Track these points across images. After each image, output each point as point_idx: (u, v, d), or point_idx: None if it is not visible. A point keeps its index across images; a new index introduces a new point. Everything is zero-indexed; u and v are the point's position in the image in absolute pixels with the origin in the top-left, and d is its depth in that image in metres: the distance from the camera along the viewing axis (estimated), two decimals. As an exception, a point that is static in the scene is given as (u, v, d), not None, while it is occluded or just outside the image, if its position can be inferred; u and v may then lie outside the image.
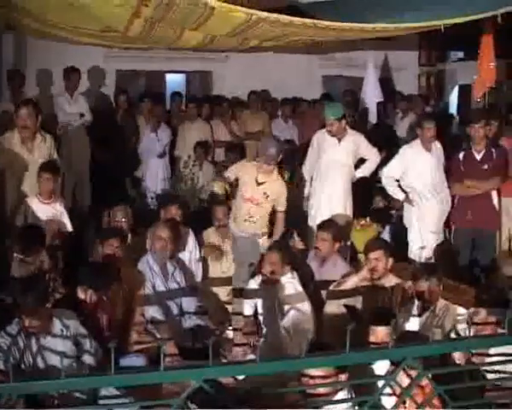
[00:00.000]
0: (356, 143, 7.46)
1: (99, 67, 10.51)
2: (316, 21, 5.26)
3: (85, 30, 6.10)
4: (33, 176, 6.52)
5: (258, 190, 6.45)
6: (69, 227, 6.54)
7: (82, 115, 9.13)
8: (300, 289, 5.68)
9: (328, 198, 7.31)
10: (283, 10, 7.13)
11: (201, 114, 9.92)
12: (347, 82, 12.13)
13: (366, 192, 8.17)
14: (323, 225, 6.49)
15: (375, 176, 8.08)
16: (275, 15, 4.92)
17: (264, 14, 4.84)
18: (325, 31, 5.63)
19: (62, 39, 7.41)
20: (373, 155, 7.59)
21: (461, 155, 7.31)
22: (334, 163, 7.35)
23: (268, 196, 6.47)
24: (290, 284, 5.68)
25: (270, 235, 6.67)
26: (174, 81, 11.88)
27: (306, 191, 7.73)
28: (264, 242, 6.56)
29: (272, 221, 6.74)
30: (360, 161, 7.65)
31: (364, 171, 7.64)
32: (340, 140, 7.36)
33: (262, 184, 6.45)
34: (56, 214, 6.42)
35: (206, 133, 9.73)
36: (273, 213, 6.69)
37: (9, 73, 9.19)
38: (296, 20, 5.06)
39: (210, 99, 10.73)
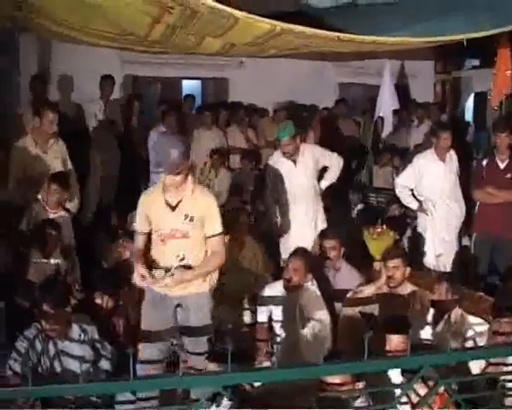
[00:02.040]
0: (312, 156, 7.08)
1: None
2: (339, 34, 5.27)
3: (103, 33, 6.13)
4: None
5: (175, 217, 4.51)
6: (70, 239, 6.54)
7: (113, 123, 9.22)
8: (320, 296, 5.68)
9: (301, 228, 6.98)
10: (294, 15, 7.18)
11: (218, 121, 9.95)
12: (363, 89, 12.16)
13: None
14: (296, 253, 5.92)
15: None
16: (299, 27, 4.92)
17: (288, 25, 4.84)
18: (347, 43, 5.64)
19: (78, 41, 7.45)
20: (334, 161, 7.23)
21: (484, 162, 7.30)
22: (297, 189, 6.99)
23: (193, 219, 4.52)
24: (311, 291, 5.68)
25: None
26: (190, 88, 11.92)
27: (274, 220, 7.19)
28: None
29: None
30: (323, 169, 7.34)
31: (328, 180, 7.29)
32: (295, 162, 6.98)
33: (177, 205, 4.51)
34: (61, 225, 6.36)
35: (221, 140, 9.77)
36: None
37: (32, 80, 9.27)
38: (319, 32, 5.07)
39: (226, 106, 10.77)
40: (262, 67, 10.48)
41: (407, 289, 5.61)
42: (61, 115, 8.98)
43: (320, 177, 7.27)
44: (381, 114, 10.41)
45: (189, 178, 4.53)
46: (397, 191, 7.63)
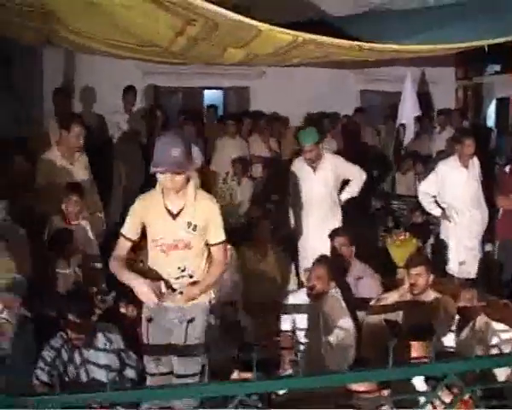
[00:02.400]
0: (333, 167, 7.04)
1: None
2: (360, 43, 5.28)
3: (126, 44, 6.19)
4: None
5: (177, 226, 4.14)
6: (94, 247, 6.58)
7: (136, 133, 9.30)
8: (344, 304, 5.68)
9: (314, 236, 6.96)
10: (312, 24, 7.20)
11: (240, 131, 10.00)
12: (385, 97, 12.15)
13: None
14: (319, 261, 5.90)
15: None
16: (321, 38, 4.94)
17: (310, 36, 4.86)
18: (368, 51, 5.65)
19: (101, 53, 7.52)
20: (356, 174, 7.18)
21: (507, 168, 7.27)
22: (314, 197, 7.01)
23: (196, 228, 4.15)
24: (335, 299, 5.68)
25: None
26: (212, 97, 11.99)
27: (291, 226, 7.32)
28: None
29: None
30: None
31: (349, 193, 7.23)
32: (315, 169, 7.00)
33: (179, 213, 4.13)
34: (81, 236, 6.38)
35: (243, 149, 9.81)
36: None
37: (55, 92, 9.36)
38: (341, 42, 5.08)
39: (248, 115, 10.81)
40: (283, 76, 10.51)
41: (430, 296, 5.59)
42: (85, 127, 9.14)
43: (342, 189, 7.25)
44: (402, 121, 10.40)
45: (191, 183, 4.14)
46: (419, 198, 7.61)
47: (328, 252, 6.42)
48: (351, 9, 9.06)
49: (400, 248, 7.23)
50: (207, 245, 4.27)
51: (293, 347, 5.85)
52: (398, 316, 5.54)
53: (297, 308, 5.82)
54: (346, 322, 5.59)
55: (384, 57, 6.67)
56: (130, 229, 4.19)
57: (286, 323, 5.93)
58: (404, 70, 10.23)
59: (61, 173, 6.56)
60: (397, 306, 5.58)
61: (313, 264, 5.85)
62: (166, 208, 4.12)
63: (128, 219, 4.21)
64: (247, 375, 4.00)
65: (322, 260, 5.90)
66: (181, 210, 4.11)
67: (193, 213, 4.12)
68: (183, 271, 4.19)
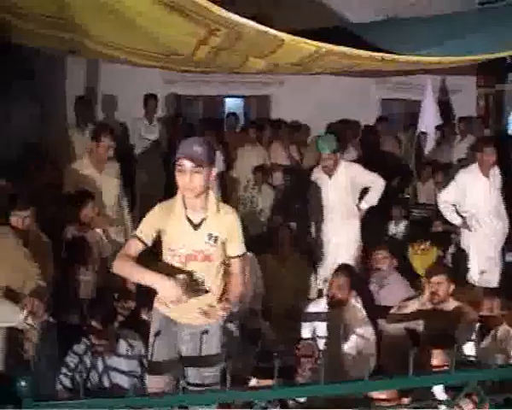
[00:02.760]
0: (349, 174, 7.06)
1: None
2: (383, 55, 5.29)
3: (149, 53, 6.25)
4: (106, 195, 6.68)
5: (198, 236, 3.94)
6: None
7: (158, 142, 9.38)
8: (364, 313, 5.69)
9: (331, 244, 7.14)
10: (334, 32, 7.23)
11: (261, 139, 10.04)
12: (405, 105, 12.15)
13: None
14: (340, 270, 5.92)
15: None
16: (343, 49, 4.95)
17: (333, 47, 4.88)
18: (390, 62, 5.66)
19: (123, 61, 7.61)
20: (375, 182, 7.14)
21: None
22: (329, 204, 7.10)
23: (217, 239, 3.96)
24: (355, 307, 5.69)
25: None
26: (232, 105, 12.04)
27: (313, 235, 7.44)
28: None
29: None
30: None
31: (369, 202, 7.19)
32: (330, 176, 7.07)
33: (201, 223, 3.94)
34: (94, 242, 6.39)
35: (264, 157, 9.85)
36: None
37: (77, 100, 9.46)
38: (364, 53, 5.09)
39: (269, 123, 10.84)
40: (304, 84, 10.53)
41: (451, 305, 5.59)
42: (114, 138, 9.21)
43: (361, 198, 7.26)
44: (423, 130, 10.40)
45: (211, 193, 3.97)
46: (440, 207, 7.58)
47: (345, 259, 6.45)
48: (372, 16, 9.09)
49: (421, 257, 7.23)
50: (225, 259, 4.09)
51: (313, 355, 5.87)
52: (418, 325, 5.55)
53: (317, 316, 5.84)
54: (366, 331, 5.60)
55: (406, 68, 6.69)
56: (146, 233, 3.94)
57: (306, 331, 5.95)
58: (425, 78, 10.23)
59: (89, 183, 6.60)
60: (417, 315, 5.58)
61: (334, 273, 5.87)
62: (188, 218, 3.93)
63: (145, 223, 3.98)
64: (267, 382, 4.04)
65: (342, 269, 5.92)
66: (203, 221, 3.93)
67: (215, 224, 3.93)
68: (199, 285, 3.98)
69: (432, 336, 4.86)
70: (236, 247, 4.05)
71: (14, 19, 5.90)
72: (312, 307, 5.93)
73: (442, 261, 7.17)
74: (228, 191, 9.58)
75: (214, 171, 3.89)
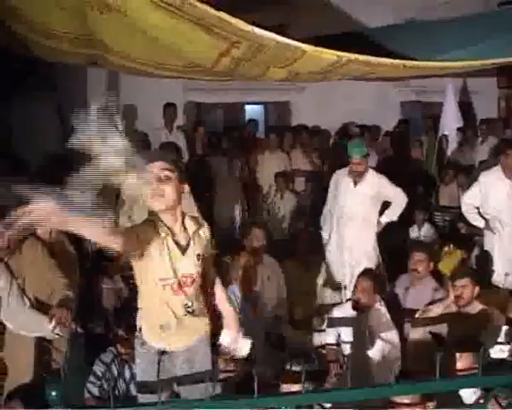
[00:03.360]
0: (376, 186, 6.98)
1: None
2: (404, 62, 5.28)
3: (171, 66, 6.29)
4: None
5: (187, 260, 3.69)
6: None
7: (178, 150, 9.40)
8: (389, 317, 5.69)
9: (350, 255, 7.01)
10: (352, 37, 7.23)
11: (282, 145, 10.07)
12: (426, 108, 12.11)
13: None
14: (364, 274, 5.95)
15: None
16: (365, 57, 4.95)
17: (354, 55, 4.88)
18: (411, 69, 5.65)
19: (146, 74, 7.67)
20: (398, 197, 7.05)
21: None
22: (350, 213, 6.98)
23: (203, 258, 3.77)
24: (380, 312, 5.70)
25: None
26: (252, 112, 12.08)
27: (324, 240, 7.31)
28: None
29: None
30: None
31: (389, 216, 7.10)
32: (356, 183, 6.98)
33: (188, 245, 3.70)
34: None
35: (286, 163, 9.87)
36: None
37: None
38: (385, 60, 5.09)
39: (289, 129, 10.87)
40: (324, 90, 10.51)
41: (476, 308, 5.56)
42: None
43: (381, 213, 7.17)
44: (445, 133, 10.36)
45: (187, 216, 3.75)
46: (463, 209, 7.55)
47: (363, 266, 6.46)
48: (390, 21, 9.08)
49: (445, 259, 7.20)
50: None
51: (338, 360, 5.88)
52: (443, 328, 5.53)
53: (342, 321, 5.85)
54: (391, 335, 5.60)
55: (428, 73, 6.68)
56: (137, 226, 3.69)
57: (331, 336, 5.96)
58: (446, 81, 10.19)
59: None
60: (442, 318, 5.57)
61: (358, 277, 5.88)
62: (175, 242, 3.65)
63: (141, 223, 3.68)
64: (294, 387, 4.06)
65: (366, 273, 5.93)
66: (189, 242, 3.69)
67: (198, 243, 3.73)
68: (188, 307, 3.73)
69: (457, 339, 4.84)
70: (209, 261, 3.94)
71: (37, 36, 5.99)
72: (336, 312, 5.94)
73: (466, 264, 7.13)
74: (249, 198, 9.61)
75: (186, 188, 3.73)
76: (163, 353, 3.78)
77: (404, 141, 10.89)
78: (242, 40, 4.64)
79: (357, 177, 6.92)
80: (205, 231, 3.81)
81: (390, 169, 7.85)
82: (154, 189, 3.51)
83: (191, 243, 3.69)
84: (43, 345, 4.76)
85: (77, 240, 5.62)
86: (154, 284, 3.62)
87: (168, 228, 3.61)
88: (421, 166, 10.61)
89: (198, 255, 3.71)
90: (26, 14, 5.50)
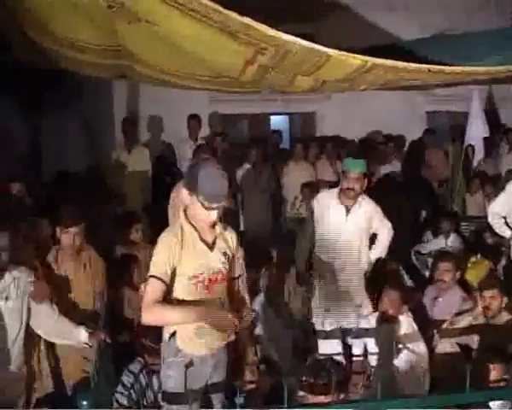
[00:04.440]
0: (369, 215, 5.97)
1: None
2: (429, 66, 5.28)
3: (197, 76, 6.34)
4: None
5: (215, 257, 3.87)
6: None
7: None
8: (416, 328, 5.66)
9: (336, 294, 5.92)
10: (384, 49, 7.23)
11: (308, 155, 10.07)
12: (452, 117, 12.06)
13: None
14: (391, 285, 5.74)
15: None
16: (390, 62, 4.97)
17: (380, 60, 4.90)
18: (437, 74, 5.65)
19: (173, 85, 7.74)
20: (385, 231, 6.12)
21: None
22: (340, 244, 5.90)
23: (229, 258, 3.95)
24: (407, 323, 5.66)
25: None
26: (277, 123, 12.09)
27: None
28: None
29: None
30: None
31: (378, 253, 6.18)
32: (348, 210, 5.87)
33: (214, 242, 3.88)
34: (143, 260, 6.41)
35: (311, 174, 9.86)
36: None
37: (124, 121, 9.61)
38: (410, 65, 5.10)
39: (314, 139, 10.87)
40: (349, 100, 10.51)
41: (504, 318, 5.52)
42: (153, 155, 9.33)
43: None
44: (471, 142, 10.30)
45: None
46: (489, 219, 7.48)
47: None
48: (421, 33, 9.09)
49: (472, 270, 7.15)
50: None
51: (365, 371, 5.87)
52: (471, 339, 5.49)
53: (368, 332, 5.83)
54: (418, 346, 5.57)
55: (454, 80, 6.67)
56: (164, 270, 3.71)
57: (358, 347, 5.95)
58: (471, 89, 10.14)
59: None
60: (470, 329, 5.53)
61: (385, 288, 5.82)
62: (203, 240, 3.82)
63: (159, 260, 3.73)
64: (320, 398, 4.06)
65: (393, 284, 5.88)
66: (215, 240, 3.88)
67: (224, 243, 3.93)
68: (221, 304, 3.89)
69: (487, 350, 4.80)
70: (241, 266, 4.10)
71: (66, 50, 6.07)
72: (363, 323, 5.91)
73: (494, 274, 7.07)
74: (277, 209, 9.62)
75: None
76: (190, 363, 3.85)
77: (421, 150, 10.83)
78: (268, 46, 4.67)
79: (351, 199, 5.87)
80: (232, 236, 3.99)
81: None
82: (206, 216, 3.75)
83: (217, 240, 3.87)
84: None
85: (101, 248, 5.69)
86: (186, 283, 3.76)
87: (195, 229, 3.79)
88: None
89: (224, 253, 3.88)
90: (55, 28, 5.60)
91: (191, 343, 3.84)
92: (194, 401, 3.88)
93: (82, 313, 4.98)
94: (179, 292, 3.79)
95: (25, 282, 4.59)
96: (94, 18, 5.19)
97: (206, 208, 3.69)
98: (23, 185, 6.42)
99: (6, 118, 8.10)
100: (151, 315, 3.72)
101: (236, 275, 4.08)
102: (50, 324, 4.69)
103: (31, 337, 4.72)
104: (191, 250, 3.76)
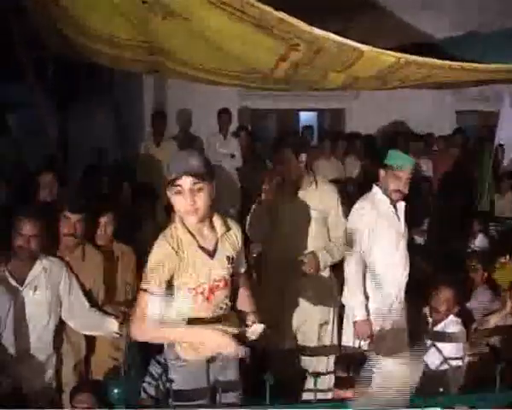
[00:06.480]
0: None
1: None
2: (462, 64, 5.24)
3: (229, 72, 6.35)
4: None
5: (217, 264, 3.57)
6: None
7: (232, 156, 9.49)
8: (463, 329, 5.49)
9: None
10: (417, 48, 7.19)
11: (336, 152, 10.05)
12: (482, 117, 11.96)
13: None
14: (446, 283, 5.44)
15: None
16: (423, 59, 4.95)
17: (412, 57, 4.88)
18: (470, 72, 5.61)
19: (200, 80, 7.77)
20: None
21: None
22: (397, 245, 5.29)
23: (233, 260, 3.65)
24: (456, 323, 5.54)
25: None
26: (306, 119, 12.09)
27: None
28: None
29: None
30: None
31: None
32: (395, 207, 5.23)
33: (215, 249, 3.58)
34: None
35: (339, 171, 9.85)
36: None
37: (153, 114, 9.68)
38: (442, 62, 5.07)
39: (343, 136, 10.87)
40: (378, 97, 10.44)
41: (533, 318, 5.49)
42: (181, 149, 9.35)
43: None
44: (501, 142, 10.21)
45: (215, 214, 3.60)
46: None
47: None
48: (454, 31, 9.02)
49: (501, 271, 7.12)
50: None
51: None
52: (498, 340, 5.46)
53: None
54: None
55: (485, 78, 6.61)
56: (161, 281, 3.39)
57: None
58: (502, 88, 10.05)
59: None
60: (498, 330, 5.50)
61: (439, 286, 5.50)
62: (201, 247, 3.51)
63: (154, 270, 3.40)
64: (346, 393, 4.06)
65: (448, 281, 5.66)
66: (216, 245, 3.57)
67: (227, 245, 3.62)
68: (222, 309, 3.65)
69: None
70: (242, 262, 3.85)
71: (99, 45, 6.12)
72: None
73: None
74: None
75: (214, 185, 3.48)
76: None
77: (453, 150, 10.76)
78: (301, 42, 4.66)
79: (399, 197, 5.19)
80: (236, 234, 3.70)
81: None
82: (187, 204, 3.36)
83: (219, 245, 3.57)
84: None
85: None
86: (184, 295, 3.50)
87: (193, 235, 3.48)
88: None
89: (228, 258, 3.59)
90: (88, 23, 5.63)
91: (190, 350, 3.65)
92: (199, 400, 3.77)
93: (113, 305, 5.02)
94: (176, 304, 3.48)
95: (56, 273, 4.64)
96: (129, 14, 5.22)
97: (177, 193, 3.35)
98: (55, 175, 6.45)
99: (41, 110, 8.15)
100: (139, 331, 3.50)
101: (241, 271, 3.86)
102: (83, 316, 4.75)
103: (60, 329, 4.77)
104: (189, 261, 3.46)
